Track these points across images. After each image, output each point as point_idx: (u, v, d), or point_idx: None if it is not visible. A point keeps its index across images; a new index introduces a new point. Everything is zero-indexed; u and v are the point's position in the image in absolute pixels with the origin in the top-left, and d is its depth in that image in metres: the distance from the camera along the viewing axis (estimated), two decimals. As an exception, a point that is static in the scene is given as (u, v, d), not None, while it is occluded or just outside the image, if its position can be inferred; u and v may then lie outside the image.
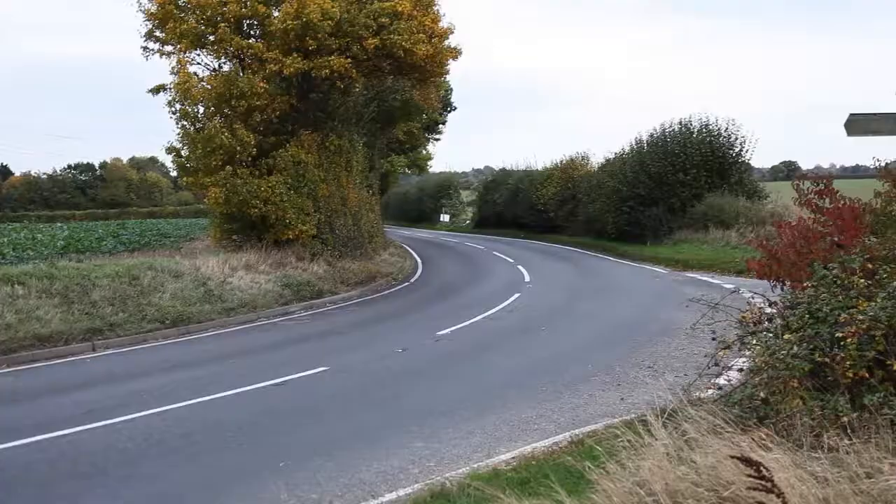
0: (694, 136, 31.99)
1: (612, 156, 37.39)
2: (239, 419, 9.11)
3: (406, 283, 24.31)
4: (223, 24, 21.56)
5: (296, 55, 21.43)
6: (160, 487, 6.88)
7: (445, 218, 60.42)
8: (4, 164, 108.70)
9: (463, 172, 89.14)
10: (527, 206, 43.96)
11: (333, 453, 7.53)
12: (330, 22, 21.16)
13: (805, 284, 7.08)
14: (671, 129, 32.95)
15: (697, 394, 7.11)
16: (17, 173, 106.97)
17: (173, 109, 22.12)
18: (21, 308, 14.04)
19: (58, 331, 13.75)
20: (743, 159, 32.58)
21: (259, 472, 7.08)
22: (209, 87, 21.79)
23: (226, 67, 23.18)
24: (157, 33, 22.77)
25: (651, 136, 33.86)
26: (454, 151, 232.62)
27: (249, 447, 7.99)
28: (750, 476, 3.84)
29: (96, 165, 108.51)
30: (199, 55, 23.45)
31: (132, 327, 14.77)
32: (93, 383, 11.31)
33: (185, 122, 22.21)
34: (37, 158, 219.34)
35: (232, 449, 7.95)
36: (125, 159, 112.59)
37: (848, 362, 5.62)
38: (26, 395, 10.72)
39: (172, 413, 9.32)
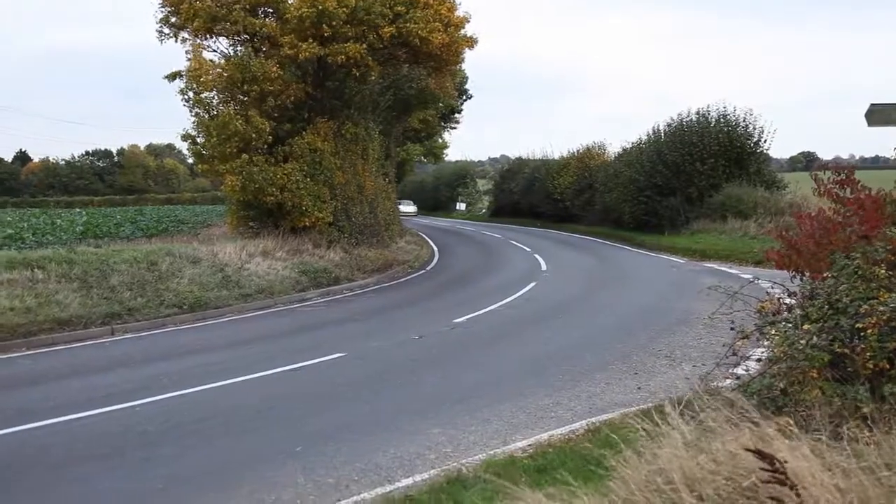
0: (712, 125, 31.80)
1: (629, 145, 37.29)
2: (255, 404, 9.16)
3: (422, 271, 24.34)
4: (238, 6, 21.60)
5: (311, 41, 21.41)
6: (177, 469, 6.92)
7: (462, 206, 60.47)
8: (23, 149, 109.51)
9: (479, 161, 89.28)
10: (543, 196, 43.90)
11: (350, 438, 7.56)
12: (345, 10, 21.13)
13: (825, 275, 7.04)
14: (689, 118, 32.80)
15: (715, 383, 7.07)
16: (36, 159, 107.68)
17: (186, 97, 22.16)
18: (41, 292, 14.14)
19: (77, 315, 13.85)
20: (761, 149, 32.36)
21: (275, 456, 7.12)
22: (223, 72, 21.79)
23: (240, 53, 23.19)
24: (173, 19, 22.83)
25: (669, 125, 33.71)
26: (470, 140, 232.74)
27: (266, 431, 8.03)
28: (763, 469, 3.83)
29: (114, 152, 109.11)
30: (213, 42, 23.53)
31: (150, 312, 14.85)
32: (111, 367, 11.39)
33: (199, 110, 22.22)
34: (55, 145, 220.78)
35: (249, 433, 7.99)
36: (143, 146, 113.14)
37: (868, 353, 5.59)
38: (45, 378, 10.80)
39: (190, 397, 9.38)
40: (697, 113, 32.72)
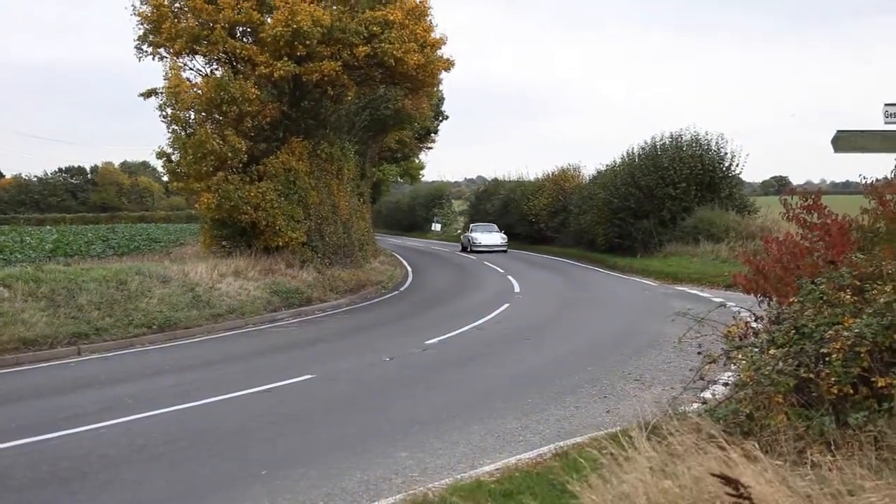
0: (684, 149, 32.13)
1: (603, 167, 37.57)
2: (223, 426, 9.06)
3: (396, 292, 24.29)
4: (218, 27, 21.56)
5: (286, 59, 21.41)
6: (141, 494, 6.82)
7: (437, 227, 60.49)
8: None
9: (455, 182, 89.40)
10: (518, 217, 44.10)
11: (317, 462, 7.49)
12: (320, 28, 21.16)
13: (791, 300, 7.09)
14: (662, 142, 33.10)
15: (683, 407, 7.08)
16: (8, 175, 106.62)
17: (164, 114, 22.06)
18: (6, 311, 13.94)
19: (43, 334, 13.67)
20: (733, 173, 32.72)
21: (242, 480, 7.03)
22: (200, 92, 21.73)
23: (218, 73, 23.13)
24: (151, 37, 22.74)
25: (642, 148, 33.99)
26: (447, 161, 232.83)
27: (233, 454, 7.94)
28: (729, 494, 3.83)
29: (87, 169, 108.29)
30: (191, 60, 23.47)
31: (118, 332, 14.70)
32: (77, 388, 11.23)
33: (176, 127, 22.13)
34: (27, 161, 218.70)
35: (215, 456, 7.89)
36: (117, 163, 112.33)
37: (833, 378, 5.62)
38: (8, 399, 10.64)
39: (156, 419, 9.26)
40: (671, 136, 33.07)
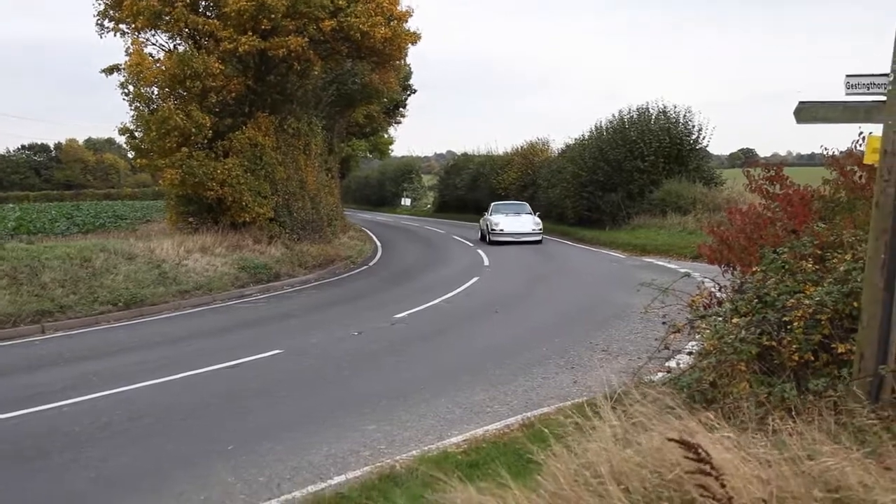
0: (652, 122, 32.24)
1: (572, 141, 37.60)
2: (189, 402, 9.00)
3: (365, 267, 24.22)
4: (180, 3, 21.20)
5: (251, 34, 21.15)
6: (106, 472, 6.76)
7: (407, 202, 60.40)
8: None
9: (425, 157, 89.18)
10: (487, 191, 44.07)
11: (284, 436, 7.47)
12: (285, 2, 20.90)
13: (754, 269, 7.16)
14: (630, 115, 33.17)
15: (648, 377, 7.15)
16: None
17: (126, 91, 21.73)
18: (-33, 289, 13.75)
19: (5, 312, 13.49)
20: (700, 146, 32.90)
21: (208, 455, 7.00)
22: (163, 67, 21.40)
23: (181, 48, 22.79)
24: (113, 12, 22.36)
25: (610, 122, 34.05)
26: (417, 136, 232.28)
27: (199, 430, 7.89)
28: (689, 458, 3.86)
29: (51, 146, 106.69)
30: (153, 35, 23.11)
31: (83, 309, 14.53)
32: (40, 365, 11.11)
33: (139, 104, 21.82)
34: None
35: (181, 432, 7.84)
36: (81, 140, 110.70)
37: (794, 346, 5.69)
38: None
39: (122, 396, 9.18)
40: (638, 110, 33.14)
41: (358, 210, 60.79)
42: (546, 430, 5.53)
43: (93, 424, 8.10)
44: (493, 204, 33.12)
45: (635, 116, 32.89)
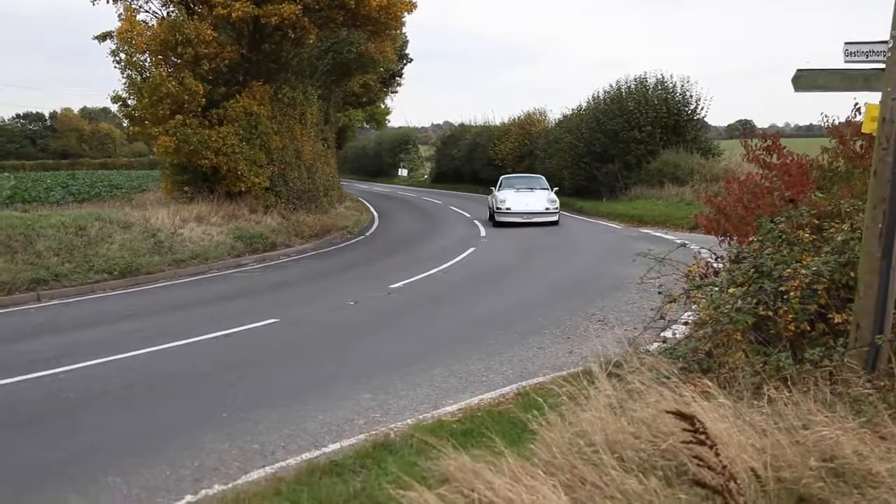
0: (649, 93, 32.07)
1: (569, 112, 37.41)
2: (184, 370, 9.00)
3: (361, 237, 24.20)
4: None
5: (245, 0, 20.92)
6: (99, 437, 6.76)
7: (403, 172, 60.19)
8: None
9: (422, 127, 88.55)
10: (484, 162, 43.92)
11: (278, 404, 7.46)
12: (280, -33, 20.67)
13: (751, 239, 7.13)
14: (627, 86, 32.98)
15: (644, 347, 7.13)
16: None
17: (118, 59, 21.51)
18: (-39, 257, 13.70)
19: (0, 281, 13.44)
20: (698, 117, 32.76)
21: (201, 423, 6.99)
22: (155, 34, 21.17)
23: (174, 15, 22.54)
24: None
25: (608, 93, 33.86)
26: (414, 107, 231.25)
27: (193, 398, 7.88)
28: (684, 429, 3.84)
29: (46, 115, 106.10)
30: (147, 3, 22.89)
31: (79, 277, 14.50)
32: (36, 333, 11.09)
33: (131, 71, 21.61)
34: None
35: (175, 399, 7.83)
36: (76, 109, 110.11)
37: (790, 315, 5.68)
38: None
39: (117, 363, 9.16)
40: (636, 80, 32.95)
41: (355, 180, 60.61)
42: (541, 400, 5.52)
43: (88, 391, 8.09)
44: (502, 178, 28.76)
45: (633, 87, 32.70)
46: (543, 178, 29.06)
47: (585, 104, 35.44)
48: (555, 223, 24.84)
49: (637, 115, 31.25)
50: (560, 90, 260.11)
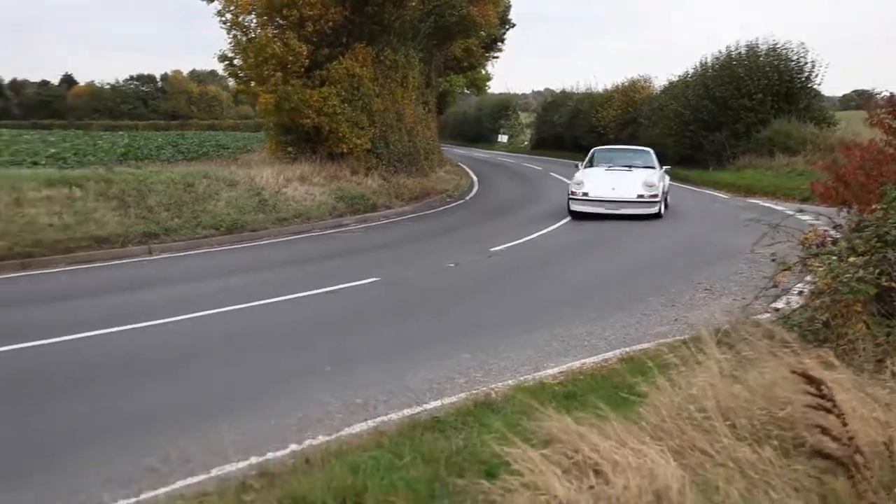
0: (761, 59, 30.86)
1: (675, 79, 36.40)
2: (288, 324, 9.17)
3: (461, 201, 24.19)
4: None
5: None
6: (207, 385, 6.95)
7: (503, 138, 59.92)
8: (69, 73, 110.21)
9: (522, 94, 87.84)
10: (586, 129, 43.23)
11: (380, 360, 7.51)
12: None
13: (873, 207, 6.78)
14: (737, 52, 31.80)
15: (755, 316, 6.89)
16: (82, 83, 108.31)
17: (224, 19, 21.92)
18: (79, 210, 14.27)
19: (115, 233, 13.97)
20: (812, 84, 31.39)
21: (305, 376, 7.10)
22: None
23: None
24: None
25: (716, 59, 32.75)
26: (514, 72, 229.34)
27: (297, 351, 8.01)
28: (810, 394, 3.67)
29: (157, 77, 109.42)
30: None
31: (187, 232, 14.94)
32: (147, 285, 11.48)
33: (236, 32, 21.99)
34: (100, 69, 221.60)
35: (279, 352, 7.98)
36: (186, 72, 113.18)
37: (917, 287, 5.39)
38: (81, 294, 10.93)
39: (223, 316, 9.37)
40: (746, 46, 31.75)
41: (454, 146, 60.59)
42: (648, 363, 5.39)
43: (197, 341, 8.34)
44: (594, 150, 22.23)
45: (743, 53, 31.53)
46: (650, 151, 21.82)
47: (692, 71, 34.40)
48: (657, 215, 18.38)
49: (747, 83, 30.12)
50: (663, 58, 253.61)
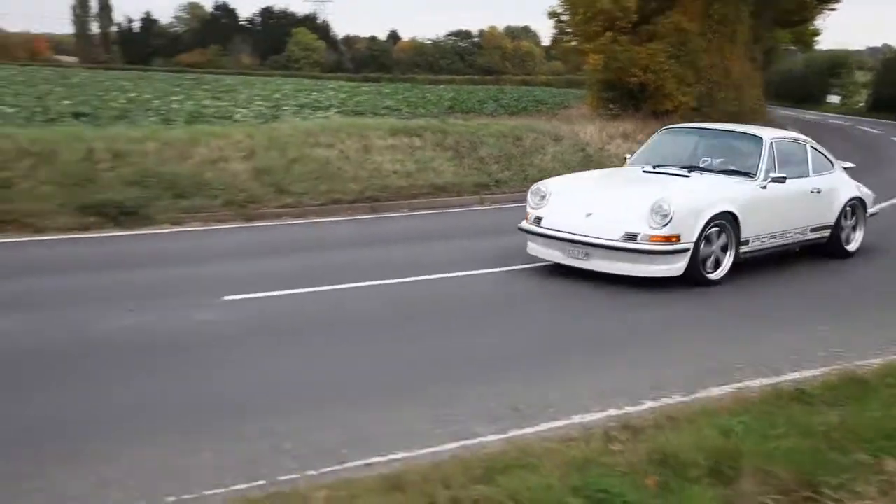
0: None
1: None
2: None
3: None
4: None
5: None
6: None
7: (835, 99, 55.53)
8: (394, 29, 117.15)
9: (856, 50, 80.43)
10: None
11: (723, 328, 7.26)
12: None
13: None
14: None
15: None
16: (405, 38, 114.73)
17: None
18: (419, 158, 15.11)
19: (450, 182, 14.67)
20: None
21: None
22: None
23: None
24: None
25: None
26: (845, 26, 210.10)
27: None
28: None
29: (474, 33, 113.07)
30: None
31: (515, 184, 15.30)
32: (483, 233, 11.77)
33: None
34: (420, 25, 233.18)
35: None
36: (501, 28, 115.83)
37: None
38: (426, 238, 11.52)
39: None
40: None
41: (778, 106, 57.03)
42: None
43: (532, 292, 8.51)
44: (659, 132, 11.40)
45: None
46: (803, 142, 11.43)
47: None
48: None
49: None
50: None
